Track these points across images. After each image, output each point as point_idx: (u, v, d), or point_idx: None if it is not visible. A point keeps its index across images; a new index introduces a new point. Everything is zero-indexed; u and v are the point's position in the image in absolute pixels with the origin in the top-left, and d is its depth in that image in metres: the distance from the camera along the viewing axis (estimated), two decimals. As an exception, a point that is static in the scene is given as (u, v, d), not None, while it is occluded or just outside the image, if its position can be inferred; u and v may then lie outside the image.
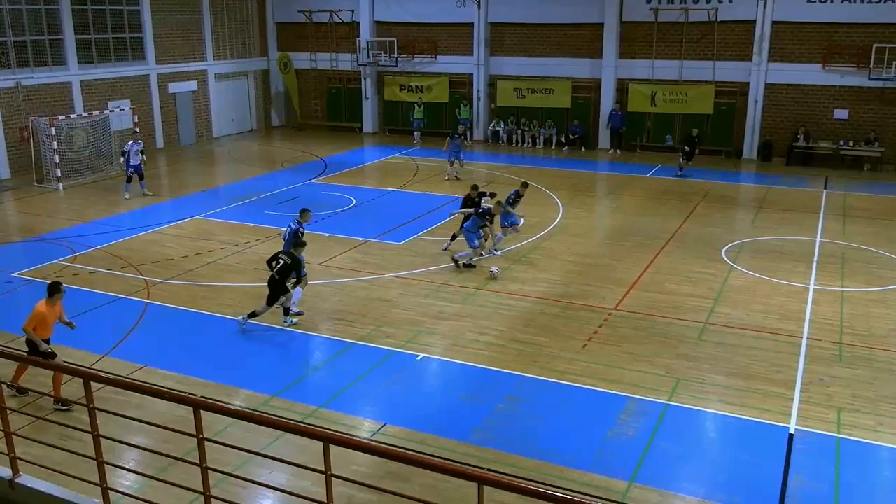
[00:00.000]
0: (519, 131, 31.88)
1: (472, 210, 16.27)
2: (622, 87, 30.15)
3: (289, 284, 12.85)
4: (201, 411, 5.75)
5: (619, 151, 29.84)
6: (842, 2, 26.48)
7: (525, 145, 31.63)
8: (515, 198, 17.48)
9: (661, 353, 12.04)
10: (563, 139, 31.10)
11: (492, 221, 16.10)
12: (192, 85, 32.09)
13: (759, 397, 10.66)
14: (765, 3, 27.30)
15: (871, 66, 26.04)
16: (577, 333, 12.78)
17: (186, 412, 5.87)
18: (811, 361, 11.78)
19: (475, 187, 17.15)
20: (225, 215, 20.34)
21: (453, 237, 16.99)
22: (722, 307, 13.94)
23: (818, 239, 18.26)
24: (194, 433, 5.75)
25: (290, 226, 14.21)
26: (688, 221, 19.83)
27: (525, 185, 18.20)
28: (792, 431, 9.82)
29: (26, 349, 10.32)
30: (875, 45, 25.90)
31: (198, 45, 32.24)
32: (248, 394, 10.80)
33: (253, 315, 12.85)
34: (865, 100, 27.02)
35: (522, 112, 32.01)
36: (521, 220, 17.93)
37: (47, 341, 10.30)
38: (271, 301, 12.79)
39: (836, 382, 11.10)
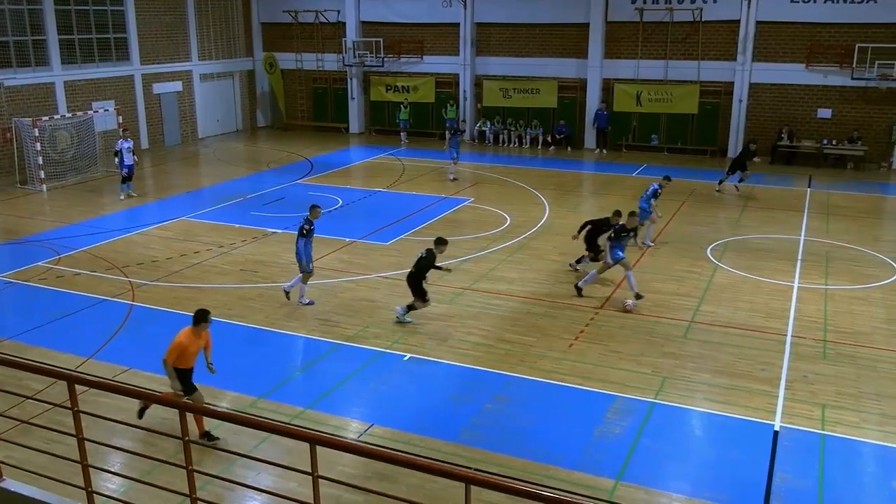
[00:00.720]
0: (505, 131, 31.94)
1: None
2: (608, 87, 30.25)
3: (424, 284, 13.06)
4: (187, 413, 5.72)
5: (604, 151, 29.94)
6: (825, 2, 26.69)
7: (511, 145, 31.68)
8: (658, 190, 17.71)
9: (647, 352, 12.09)
10: (549, 139, 31.17)
11: (636, 234, 15.06)
12: (177, 85, 31.94)
13: (745, 395, 10.73)
14: (749, 3, 27.49)
15: (854, 65, 26.27)
16: (564, 333, 12.82)
17: (172, 414, 5.86)
18: (796, 359, 11.87)
19: (618, 213, 15.00)
20: (210, 216, 20.25)
21: (581, 260, 15.79)
22: (707, 305, 14.01)
23: (802, 237, 18.40)
24: (180, 435, 5.73)
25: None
26: (673, 220, 19.93)
27: (667, 178, 18.37)
28: (777, 428, 9.88)
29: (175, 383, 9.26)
30: (858, 45, 26.13)
31: (182, 46, 32.08)
32: (234, 395, 10.75)
33: (411, 308, 13.09)
34: (848, 99, 27.26)
35: (509, 112, 32.06)
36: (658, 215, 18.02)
37: (189, 371, 9.29)
38: (419, 294, 12.99)
39: (820, 380, 11.19)
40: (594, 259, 15.48)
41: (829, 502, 8.46)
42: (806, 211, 21.01)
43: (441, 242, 13.15)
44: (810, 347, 12.29)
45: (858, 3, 26.27)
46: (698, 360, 11.83)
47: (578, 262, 15.82)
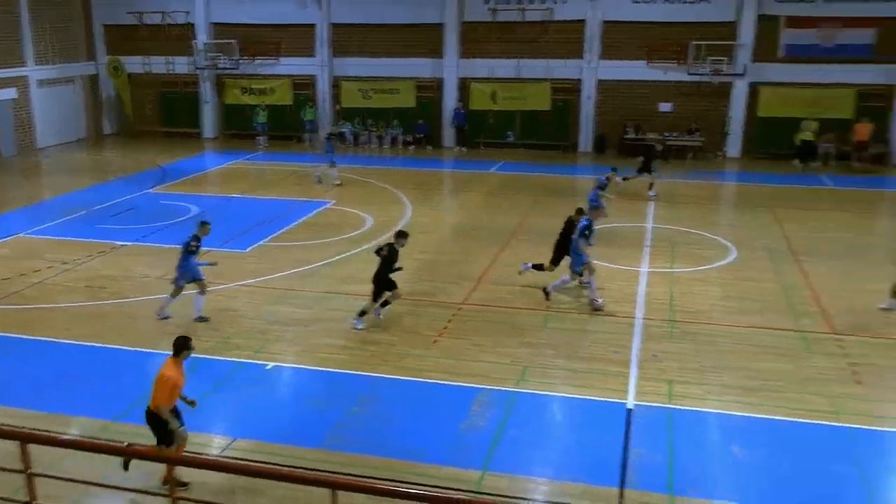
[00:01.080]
0: (366, 132, 31.89)
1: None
2: (464, 86, 30.85)
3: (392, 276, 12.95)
4: (28, 444, 5.41)
5: (464, 149, 30.50)
6: (663, 2, 28.44)
7: (371, 145, 31.68)
8: (605, 182, 18.96)
9: (509, 343, 12.45)
10: (408, 139, 31.41)
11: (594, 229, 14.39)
12: (11, 92, 29.70)
13: (600, 377, 11.26)
14: (593, 3, 28.81)
15: (690, 61, 28.13)
16: (427, 330, 12.97)
17: (13, 446, 5.49)
18: (646, 339, 12.58)
19: (581, 211, 14.96)
20: (52, 231, 18.99)
21: (539, 266, 15.12)
22: (565, 294, 14.56)
23: (650, 225, 19.51)
24: (22, 469, 5.39)
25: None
26: (531, 214, 20.59)
27: (615, 170, 19.89)
28: (630, 407, 10.44)
29: (152, 429, 8.31)
30: (692, 43, 28.00)
31: (16, 49, 29.86)
32: (84, 420, 10.15)
33: (363, 314, 12.91)
34: (686, 94, 29.17)
35: (368, 112, 32.05)
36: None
37: (175, 411, 8.38)
38: (375, 296, 12.80)
39: (667, 357, 11.92)
40: (545, 269, 15.01)
41: (679, 471, 9.04)
42: (652, 200, 22.25)
43: (402, 235, 13.14)
44: (658, 328, 13.07)
45: (692, 3, 28.14)
46: (557, 348, 12.31)
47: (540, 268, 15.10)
